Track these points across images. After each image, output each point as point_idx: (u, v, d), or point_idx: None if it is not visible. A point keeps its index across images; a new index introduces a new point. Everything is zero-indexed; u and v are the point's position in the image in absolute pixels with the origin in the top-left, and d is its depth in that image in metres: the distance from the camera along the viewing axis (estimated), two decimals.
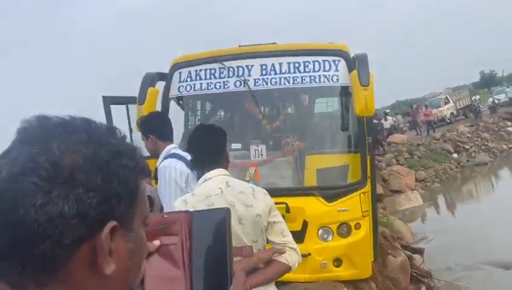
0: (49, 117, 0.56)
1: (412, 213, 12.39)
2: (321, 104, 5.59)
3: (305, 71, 4.57)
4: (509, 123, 24.08)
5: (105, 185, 0.53)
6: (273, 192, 4.33)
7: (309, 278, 4.24)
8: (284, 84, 4.60)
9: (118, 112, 4.61)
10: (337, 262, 4.31)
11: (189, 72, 4.80)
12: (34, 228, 0.49)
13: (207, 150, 2.11)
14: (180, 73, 4.82)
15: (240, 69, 4.68)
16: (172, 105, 4.97)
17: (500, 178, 16.89)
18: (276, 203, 4.16)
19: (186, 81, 4.79)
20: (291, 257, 2.02)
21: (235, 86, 4.69)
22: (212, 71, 4.76)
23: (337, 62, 4.52)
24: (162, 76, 4.83)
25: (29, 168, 0.50)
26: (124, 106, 4.74)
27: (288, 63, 4.61)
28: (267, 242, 2.08)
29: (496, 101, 28.10)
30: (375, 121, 15.19)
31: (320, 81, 4.54)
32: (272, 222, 2.07)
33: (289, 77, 4.59)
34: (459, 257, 7.65)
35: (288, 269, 2.01)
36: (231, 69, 4.68)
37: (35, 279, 0.52)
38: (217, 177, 2.03)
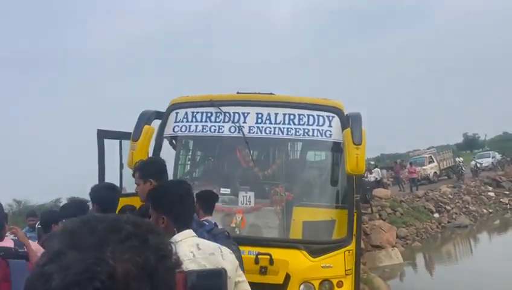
0: (97, 219, 0.56)
1: (391, 271, 12.30)
2: (312, 157, 5.67)
3: (299, 124, 4.68)
4: (490, 188, 24.50)
5: None
6: (258, 241, 4.38)
7: None
8: (278, 134, 4.68)
9: (110, 145, 4.60)
10: None
11: (186, 113, 4.87)
12: None
13: (187, 212, 2.06)
14: (176, 113, 4.88)
15: (236, 115, 4.77)
16: (164, 143, 4.99)
17: (479, 242, 16.99)
18: (260, 254, 4.19)
19: (182, 121, 4.85)
20: None
21: (229, 131, 4.75)
22: (209, 114, 4.83)
23: (331, 118, 4.65)
24: (158, 114, 4.88)
25: (85, 279, 0.49)
26: (117, 140, 4.73)
27: (284, 114, 4.72)
28: None
29: (478, 165, 28.70)
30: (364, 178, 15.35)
31: (313, 135, 4.64)
32: (237, 281, 2.08)
33: (283, 128, 4.69)
34: None
35: None
36: (227, 114, 4.76)
37: None
38: (187, 239, 1.97)
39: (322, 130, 4.64)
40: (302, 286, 4.22)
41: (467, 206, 21.13)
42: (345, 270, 4.26)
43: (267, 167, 4.91)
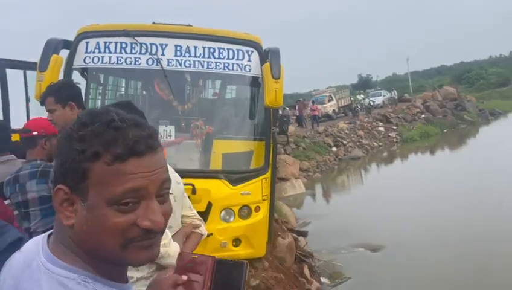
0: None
1: (295, 199, 13.42)
2: (232, 91, 5.76)
3: (219, 57, 4.68)
4: (381, 123, 27.24)
5: None
6: (181, 173, 4.44)
7: None
8: (198, 67, 4.65)
9: (14, 77, 4.18)
10: (236, 242, 4.56)
11: (98, 43, 4.56)
12: None
13: None
14: (87, 43, 4.55)
15: (154, 47, 4.60)
16: (75, 76, 4.68)
17: (369, 171, 19.14)
18: (184, 184, 4.30)
19: (94, 52, 4.55)
20: (202, 227, 2.34)
21: (147, 63, 4.59)
22: (123, 45, 4.59)
23: (250, 53, 4.72)
24: (66, 44, 4.50)
25: None
26: (22, 71, 4.31)
27: (204, 48, 4.67)
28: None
29: (372, 103, 31.48)
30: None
31: (233, 69, 4.70)
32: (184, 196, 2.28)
33: (203, 61, 4.66)
34: (335, 240, 8.59)
35: (202, 237, 2.35)
36: (144, 45, 4.57)
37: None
38: None
39: (242, 64, 4.71)
40: (223, 212, 4.49)
41: (360, 140, 23.35)
42: (262, 196, 4.60)
43: (187, 101, 4.91)
